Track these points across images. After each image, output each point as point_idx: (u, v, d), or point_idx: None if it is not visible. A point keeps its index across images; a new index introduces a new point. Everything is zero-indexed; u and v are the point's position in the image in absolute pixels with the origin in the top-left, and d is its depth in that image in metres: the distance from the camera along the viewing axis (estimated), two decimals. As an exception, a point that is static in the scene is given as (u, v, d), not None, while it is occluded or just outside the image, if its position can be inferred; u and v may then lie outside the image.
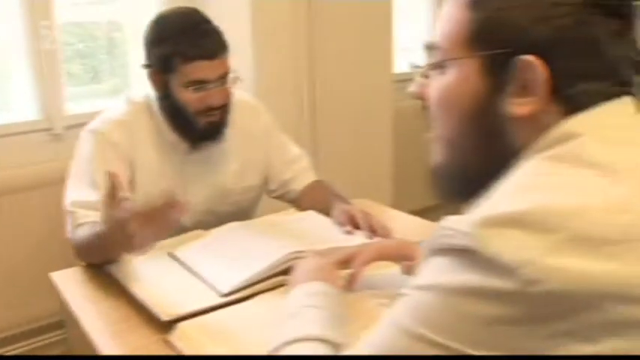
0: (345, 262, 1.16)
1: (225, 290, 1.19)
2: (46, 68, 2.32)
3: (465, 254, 0.59)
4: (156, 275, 1.28)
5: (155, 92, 1.57)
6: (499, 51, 0.68)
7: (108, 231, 1.20)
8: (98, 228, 1.34)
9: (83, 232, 1.42)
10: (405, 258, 1.16)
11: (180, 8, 1.58)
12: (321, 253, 1.18)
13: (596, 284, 0.54)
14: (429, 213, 3.38)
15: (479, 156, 0.74)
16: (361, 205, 1.64)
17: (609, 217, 0.57)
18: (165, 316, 1.10)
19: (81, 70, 2.71)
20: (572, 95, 0.67)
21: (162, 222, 1.14)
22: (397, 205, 3.11)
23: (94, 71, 2.75)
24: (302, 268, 1.10)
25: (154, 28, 1.52)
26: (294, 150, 1.83)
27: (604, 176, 0.60)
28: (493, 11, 0.68)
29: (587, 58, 0.66)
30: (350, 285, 1.14)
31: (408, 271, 1.14)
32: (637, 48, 0.70)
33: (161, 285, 1.23)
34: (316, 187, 1.77)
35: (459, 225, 0.60)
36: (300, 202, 1.75)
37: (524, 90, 0.67)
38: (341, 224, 1.51)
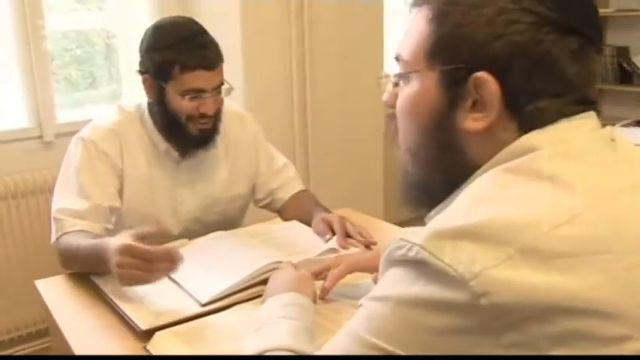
0: (319, 274, 1.18)
1: (205, 300, 1.20)
2: (37, 76, 2.35)
3: (418, 266, 0.61)
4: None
5: (148, 98, 1.59)
6: (455, 66, 0.69)
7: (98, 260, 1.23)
8: (86, 242, 1.38)
9: (70, 241, 1.43)
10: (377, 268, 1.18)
11: (178, 18, 1.61)
12: (297, 264, 1.21)
13: (545, 297, 0.56)
14: (418, 223, 3.41)
15: (438, 168, 0.75)
16: (344, 214, 1.66)
17: (560, 230, 0.58)
18: (144, 326, 1.12)
19: (79, 76, 2.73)
20: (527, 112, 0.68)
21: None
22: (388, 212, 3.14)
23: (91, 77, 2.77)
24: (277, 278, 1.13)
25: (153, 35, 1.53)
26: (281, 159, 1.84)
27: (559, 189, 0.62)
28: (452, 27, 0.69)
29: (543, 76, 0.67)
30: (322, 295, 1.17)
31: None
32: (598, 65, 0.71)
33: (142, 294, 1.25)
34: (301, 197, 1.79)
35: (412, 237, 0.62)
36: (285, 211, 1.78)
37: (479, 105, 0.68)
38: (319, 232, 1.54)
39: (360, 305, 0.68)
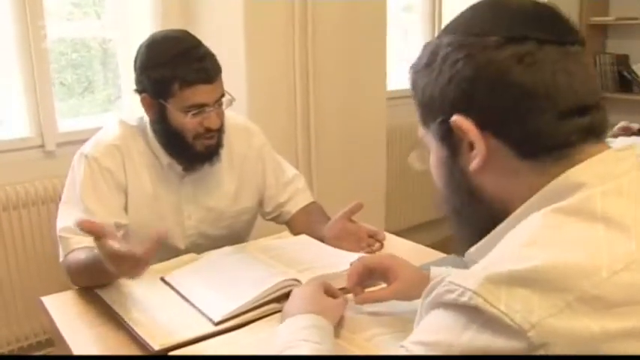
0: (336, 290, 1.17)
1: (217, 319, 1.18)
2: (38, 86, 2.32)
3: (471, 312, 0.58)
4: (148, 302, 1.27)
5: (148, 116, 1.56)
6: (437, 122, 0.73)
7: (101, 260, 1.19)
8: (91, 253, 1.34)
9: (76, 257, 1.41)
10: (388, 273, 1.17)
11: (171, 32, 1.56)
12: (315, 281, 1.19)
13: (602, 347, 0.54)
14: (419, 230, 3.41)
15: (468, 211, 0.76)
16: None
17: (619, 277, 0.56)
18: (157, 346, 1.10)
19: (74, 81, 2.71)
20: (516, 133, 0.67)
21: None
22: (389, 221, 3.14)
23: (87, 81, 2.75)
24: (296, 297, 1.11)
25: (147, 52, 1.50)
26: (290, 171, 1.82)
27: (615, 232, 0.59)
28: (421, 92, 0.75)
29: (506, 95, 0.67)
30: (356, 301, 1.16)
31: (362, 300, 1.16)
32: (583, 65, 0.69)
33: (153, 312, 1.23)
34: (309, 210, 1.77)
35: (464, 281, 0.60)
36: (293, 224, 1.75)
37: (469, 146, 0.70)
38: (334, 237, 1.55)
39: (401, 347, 0.65)
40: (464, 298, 0.59)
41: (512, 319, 0.55)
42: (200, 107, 1.47)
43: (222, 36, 2.43)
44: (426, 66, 0.73)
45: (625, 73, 3.89)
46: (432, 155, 0.78)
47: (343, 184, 2.85)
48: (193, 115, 1.47)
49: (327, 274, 1.33)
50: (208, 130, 1.51)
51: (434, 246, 1.61)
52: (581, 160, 0.66)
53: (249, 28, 2.44)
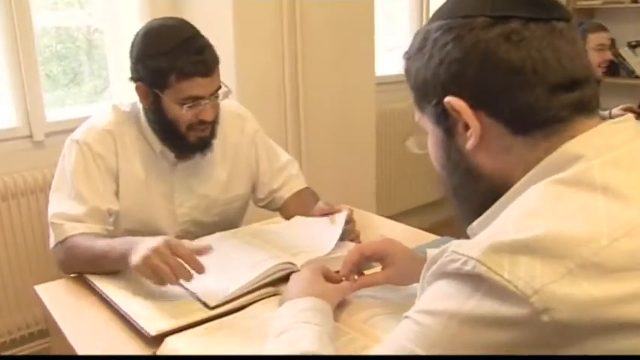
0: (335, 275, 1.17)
1: (213, 303, 1.18)
2: (25, 76, 2.30)
3: (474, 280, 0.59)
4: (142, 289, 1.27)
5: (142, 104, 1.54)
6: (432, 104, 0.74)
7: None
8: (105, 240, 1.40)
9: (81, 244, 1.41)
10: (384, 255, 1.18)
11: (169, 20, 1.53)
12: (314, 266, 1.19)
13: (607, 312, 0.55)
14: (411, 215, 3.42)
15: (468, 190, 0.77)
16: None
17: (619, 243, 0.57)
18: (153, 332, 1.09)
19: (60, 72, 2.69)
20: (508, 112, 0.69)
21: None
22: (380, 206, 3.14)
23: (73, 73, 2.73)
24: (296, 281, 1.12)
25: (144, 41, 1.47)
26: (284, 157, 1.81)
27: (615, 201, 0.61)
28: (414, 77, 0.77)
29: (496, 73, 0.68)
30: (354, 287, 1.16)
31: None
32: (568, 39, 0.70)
33: (148, 299, 1.23)
34: (302, 195, 1.76)
35: (467, 250, 0.61)
36: (285, 209, 1.75)
37: (464, 126, 0.71)
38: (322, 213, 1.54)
39: (406, 317, 0.66)
40: (467, 267, 0.60)
41: (515, 285, 0.56)
42: (195, 100, 1.45)
43: (211, 25, 2.39)
44: (418, 51, 0.75)
45: (612, 57, 3.90)
46: (429, 138, 0.79)
47: (333, 171, 2.85)
48: (189, 107, 1.45)
49: (322, 257, 1.33)
50: (202, 122, 1.49)
51: (427, 230, 1.62)
52: (573, 135, 0.68)
53: (238, 16, 2.43)
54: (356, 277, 1.18)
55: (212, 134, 1.56)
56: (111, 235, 1.49)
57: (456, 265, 0.61)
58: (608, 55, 2.84)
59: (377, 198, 3.14)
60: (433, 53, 0.72)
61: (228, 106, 1.69)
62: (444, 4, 0.75)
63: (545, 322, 0.55)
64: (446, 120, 0.73)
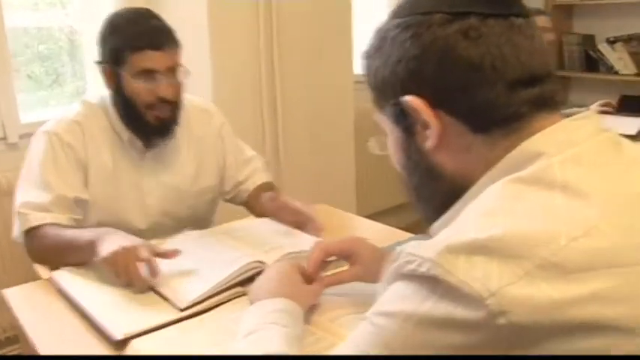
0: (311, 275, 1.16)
1: (184, 305, 1.17)
2: (-2, 76, 2.27)
3: (430, 282, 0.58)
4: (111, 291, 1.25)
5: (108, 88, 1.57)
6: (390, 104, 0.73)
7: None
8: (73, 230, 1.42)
9: (53, 233, 1.43)
10: (350, 253, 1.17)
11: (132, 7, 1.62)
12: (290, 262, 1.18)
13: (565, 314, 0.54)
14: (391, 214, 3.42)
15: (429, 190, 0.76)
16: (320, 210, 1.64)
17: (578, 243, 0.56)
18: (120, 335, 1.08)
19: (43, 73, 2.66)
20: (463, 111, 0.68)
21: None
22: (360, 206, 3.13)
23: (55, 74, 2.70)
24: (269, 277, 1.11)
25: (105, 24, 1.54)
26: (249, 151, 1.84)
27: (574, 199, 0.59)
28: (373, 76, 0.76)
29: (454, 70, 0.67)
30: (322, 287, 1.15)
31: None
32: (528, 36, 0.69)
33: (116, 301, 1.21)
34: (266, 189, 1.78)
35: (424, 252, 0.59)
36: (251, 203, 1.77)
37: (423, 125, 0.70)
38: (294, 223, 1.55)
39: (365, 319, 0.65)
40: (423, 269, 0.58)
41: (471, 287, 0.55)
42: (149, 73, 1.49)
43: (187, 25, 2.39)
44: (377, 50, 0.74)
45: (591, 53, 3.92)
46: (389, 138, 0.78)
47: (312, 170, 2.84)
48: (144, 81, 1.49)
49: (293, 254, 1.33)
50: (161, 100, 1.52)
51: (406, 229, 1.61)
52: (533, 132, 0.67)
53: (214, 15, 2.42)
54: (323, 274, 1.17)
55: (173, 118, 1.58)
56: (80, 226, 1.51)
57: (412, 266, 0.60)
58: (550, 37, 2.90)
59: (357, 197, 3.13)
60: (392, 51, 0.71)
61: (194, 101, 1.73)
62: (403, 2, 0.74)
63: (501, 325, 0.54)
64: (405, 119, 0.72)
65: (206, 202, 1.76)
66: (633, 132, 2.76)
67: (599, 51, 3.87)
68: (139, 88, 1.50)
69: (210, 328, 1.11)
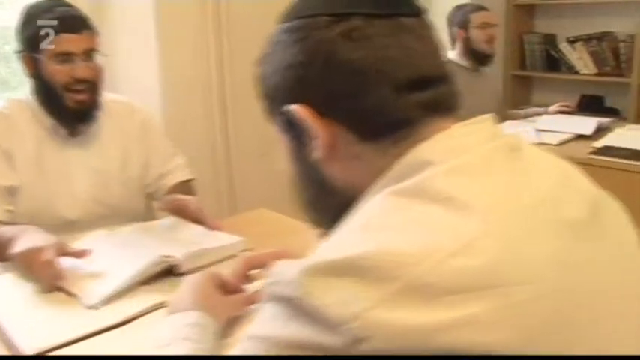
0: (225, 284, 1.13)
1: (91, 302, 1.17)
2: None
3: (292, 304, 0.54)
4: (26, 300, 1.23)
5: (29, 76, 1.61)
6: (278, 113, 0.69)
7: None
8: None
9: None
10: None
11: None
12: (209, 273, 1.14)
13: (434, 340, 0.48)
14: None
15: (323, 203, 0.73)
16: (260, 215, 1.63)
17: (452, 262, 0.51)
18: (32, 350, 1.04)
19: (10, 74, 2.62)
20: (350, 118, 0.65)
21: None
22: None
23: (22, 74, 2.65)
24: (186, 289, 1.06)
25: (21, 16, 1.58)
26: (172, 148, 1.86)
27: (453, 213, 0.55)
28: (262, 84, 0.72)
29: (338, 76, 0.64)
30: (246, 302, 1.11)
31: None
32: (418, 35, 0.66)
33: (29, 310, 1.19)
34: (187, 186, 1.80)
35: (285, 273, 0.55)
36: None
37: (311, 135, 0.66)
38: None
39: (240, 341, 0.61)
40: (286, 290, 0.54)
41: (331, 310, 0.51)
42: (66, 55, 1.53)
43: (134, 26, 2.37)
44: (267, 56, 0.71)
45: (552, 53, 3.94)
46: (282, 149, 0.74)
47: (263, 172, 2.80)
48: (61, 62, 1.53)
49: (204, 249, 1.35)
50: (78, 80, 1.55)
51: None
52: (425, 138, 0.63)
53: (161, 15, 2.38)
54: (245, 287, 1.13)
55: (93, 101, 1.61)
56: (12, 219, 1.54)
57: (277, 287, 0.56)
58: (492, 32, 2.95)
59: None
60: (281, 57, 0.67)
61: (115, 97, 1.77)
62: (291, 5, 0.70)
63: (364, 351, 0.49)
64: (293, 129, 0.68)
65: (134, 192, 1.76)
66: (589, 132, 2.75)
67: (560, 51, 3.90)
68: (56, 70, 1.54)
69: (133, 340, 1.08)
